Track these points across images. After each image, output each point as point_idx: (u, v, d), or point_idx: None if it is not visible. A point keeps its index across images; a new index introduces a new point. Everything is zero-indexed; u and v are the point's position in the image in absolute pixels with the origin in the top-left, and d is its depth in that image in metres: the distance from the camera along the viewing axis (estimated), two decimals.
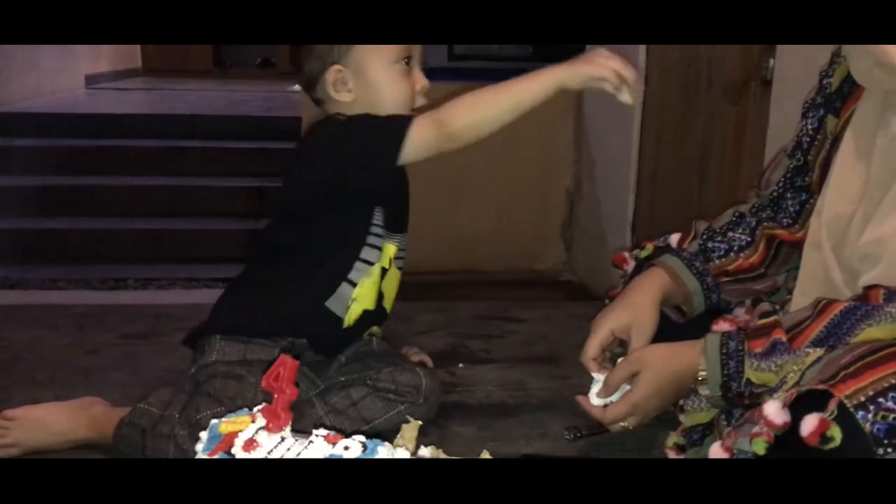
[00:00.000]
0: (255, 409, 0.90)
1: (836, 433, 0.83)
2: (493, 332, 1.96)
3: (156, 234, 4.25)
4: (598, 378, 1.23)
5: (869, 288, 0.96)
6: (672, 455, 1.21)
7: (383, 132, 1.28)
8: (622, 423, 1.20)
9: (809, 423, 0.85)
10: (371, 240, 1.36)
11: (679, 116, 2.43)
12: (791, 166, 1.26)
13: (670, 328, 1.25)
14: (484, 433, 1.42)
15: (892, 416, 0.82)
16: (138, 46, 7.92)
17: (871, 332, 0.92)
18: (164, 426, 1.25)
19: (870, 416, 0.82)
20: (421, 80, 1.37)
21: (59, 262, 3.98)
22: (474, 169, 3.34)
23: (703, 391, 1.09)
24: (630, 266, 1.40)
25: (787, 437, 0.89)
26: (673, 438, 1.22)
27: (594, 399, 1.22)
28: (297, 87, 4.31)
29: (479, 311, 2.12)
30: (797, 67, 1.78)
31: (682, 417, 1.20)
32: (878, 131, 1.04)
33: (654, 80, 2.58)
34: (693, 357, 1.09)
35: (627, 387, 1.19)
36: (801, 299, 1.13)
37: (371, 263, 1.36)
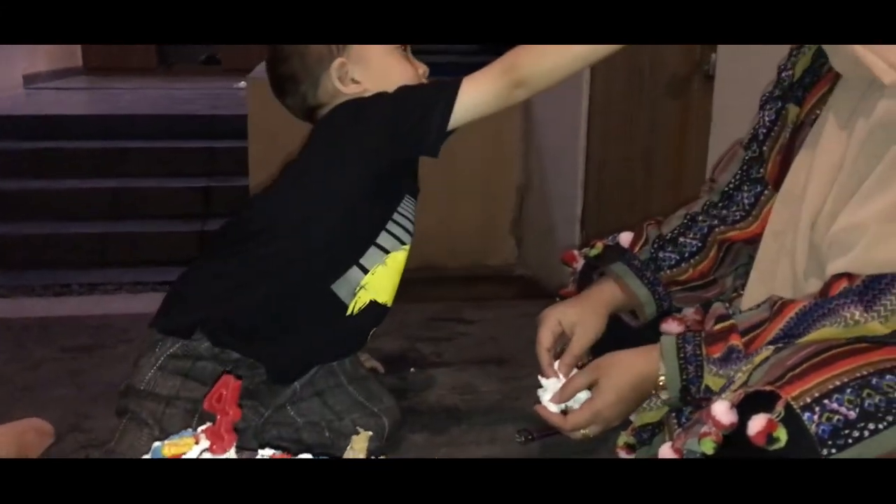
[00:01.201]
0: (199, 429, 0.88)
1: (781, 434, 0.84)
2: (443, 335, 1.95)
3: (100, 238, 4.16)
4: (546, 384, 1.21)
5: (835, 278, 0.95)
6: (623, 454, 1.21)
7: (432, 91, 1.23)
8: (583, 431, 1.20)
9: (756, 424, 0.86)
10: (392, 227, 1.31)
11: (624, 111, 2.45)
12: (747, 158, 1.26)
13: (625, 331, 1.25)
14: (436, 439, 1.41)
15: (836, 417, 0.82)
16: (78, 44, 7.74)
17: (823, 332, 0.92)
18: None
19: (815, 417, 0.83)
20: (420, 65, 1.33)
21: (0, 269, 3.88)
22: (423, 165, 3.33)
23: (664, 395, 1.09)
24: (579, 264, 1.40)
25: (734, 437, 0.89)
26: (623, 438, 1.22)
27: (550, 406, 1.21)
28: (242, 84, 4.21)
29: (429, 313, 2.11)
30: (738, 62, 1.80)
31: (632, 417, 1.20)
32: (857, 118, 1.02)
33: (598, 75, 2.60)
34: (652, 362, 1.08)
35: (583, 395, 1.18)
36: (756, 286, 1.13)
37: (387, 251, 1.31)
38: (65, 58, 7.48)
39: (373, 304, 1.31)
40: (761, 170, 1.23)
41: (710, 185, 1.33)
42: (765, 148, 1.22)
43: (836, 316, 0.92)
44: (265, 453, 0.85)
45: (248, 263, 1.28)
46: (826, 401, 0.83)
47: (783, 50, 1.23)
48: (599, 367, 1.16)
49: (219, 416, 0.85)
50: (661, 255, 1.28)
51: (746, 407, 0.88)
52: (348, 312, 1.29)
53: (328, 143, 1.28)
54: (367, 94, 1.27)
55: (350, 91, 1.28)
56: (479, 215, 3.45)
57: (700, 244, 1.27)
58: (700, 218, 1.29)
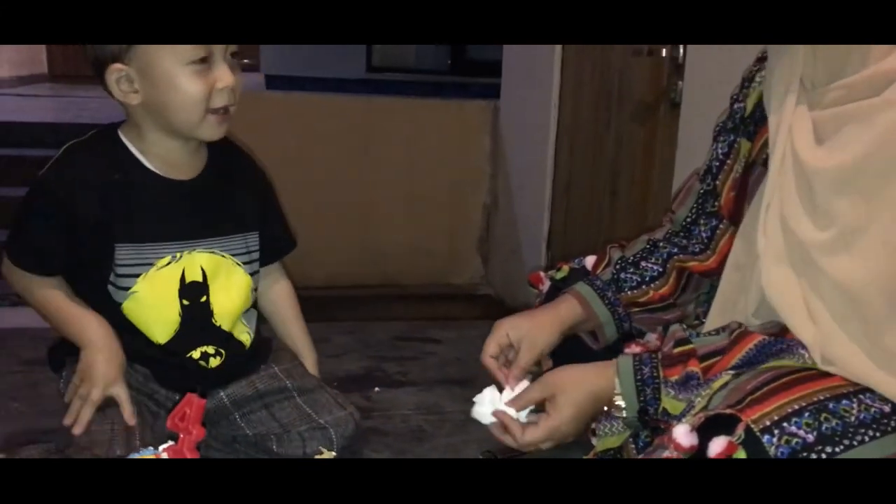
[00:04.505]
0: (161, 448, 0.87)
1: (741, 456, 0.85)
2: (409, 354, 1.94)
3: None
4: (481, 398, 1.18)
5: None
6: None
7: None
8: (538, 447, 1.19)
9: (717, 446, 0.87)
10: (120, 270, 1.21)
11: (592, 134, 2.47)
12: (701, 191, 1.27)
13: (586, 353, 1.25)
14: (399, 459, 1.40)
15: (794, 440, 0.84)
16: (44, 50, 7.64)
17: (781, 362, 0.94)
18: None
19: (774, 440, 0.84)
20: (225, 78, 1.18)
21: None
22: (391, 182, 3.34)
23: (620, 414, 1.09)
24: (545, 286, 1.40)
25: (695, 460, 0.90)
26: None
27: (510, 411, 1.17)
28: None
29: (395, 332, 2.10)
30: (704, 90, 1.83)
31: (594, 440, 1.20)
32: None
33: (567, 97, 2.63)
34: (606, 378, 1.08)
35: (523, 413, 1.16)
36: (716, 318, 1.13)
37: (127, 289, 1.21)
38: (29, 64, 7.39)
39: (184, 331, 1.25)
40: (716, 203, 1.24)
41: (671, 217, 1.34)
42: (717, 182, 1.23)
43: (793, 353, 0.94)
44: None
45: None
46: (785, 424, 0.85)
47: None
48: (555, 383, 1.14)
49: (181, 435, 0.84)
50: (622, 276, 1.29)
51: (707, 430, 0.89)
52: (157, 342, 1.24)
53: None
54: (145, 107, 1.21)
55: (127, 100, 1.20)
56: (446, 234, 3.46)
57: (661, 269, 1.28)
58: (661, 244, 1.30)
